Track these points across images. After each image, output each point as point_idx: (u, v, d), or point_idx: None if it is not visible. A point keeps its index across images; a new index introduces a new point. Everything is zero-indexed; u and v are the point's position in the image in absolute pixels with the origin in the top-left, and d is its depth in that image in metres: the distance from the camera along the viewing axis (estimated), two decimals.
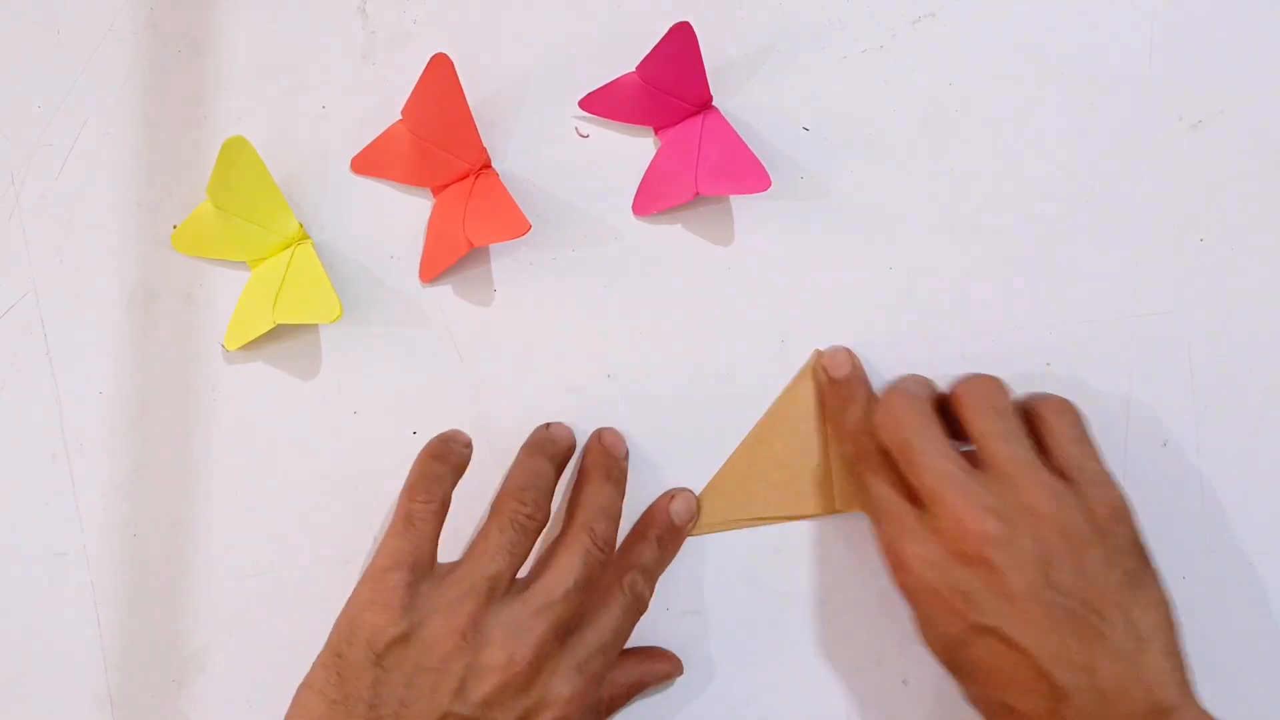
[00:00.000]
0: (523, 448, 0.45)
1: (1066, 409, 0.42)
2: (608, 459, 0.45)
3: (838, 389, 0.45)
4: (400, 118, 0.48)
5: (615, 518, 0.43)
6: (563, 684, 0.39)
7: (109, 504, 0.46)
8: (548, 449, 0.44)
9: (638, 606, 0.43)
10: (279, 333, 0.46)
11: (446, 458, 0.43)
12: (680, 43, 0.44)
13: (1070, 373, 0.46)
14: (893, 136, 0.47)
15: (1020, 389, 0.46)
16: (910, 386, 0.42)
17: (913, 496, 0.40)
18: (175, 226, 0.48)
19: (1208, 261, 0.46)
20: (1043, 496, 0.39)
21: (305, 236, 0.47)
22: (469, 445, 0.44)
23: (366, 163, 0.48)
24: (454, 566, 0.41)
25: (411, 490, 0.42)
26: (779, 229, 0.47)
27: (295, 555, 0.46)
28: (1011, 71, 0.48)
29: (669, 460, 0.46)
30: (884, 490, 0.41)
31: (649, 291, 0.47)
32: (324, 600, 0.45)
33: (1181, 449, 0.45)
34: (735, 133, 0.46)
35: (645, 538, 0.44)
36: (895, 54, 0.48)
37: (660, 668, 0.45)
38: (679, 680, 0.45)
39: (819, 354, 0.46)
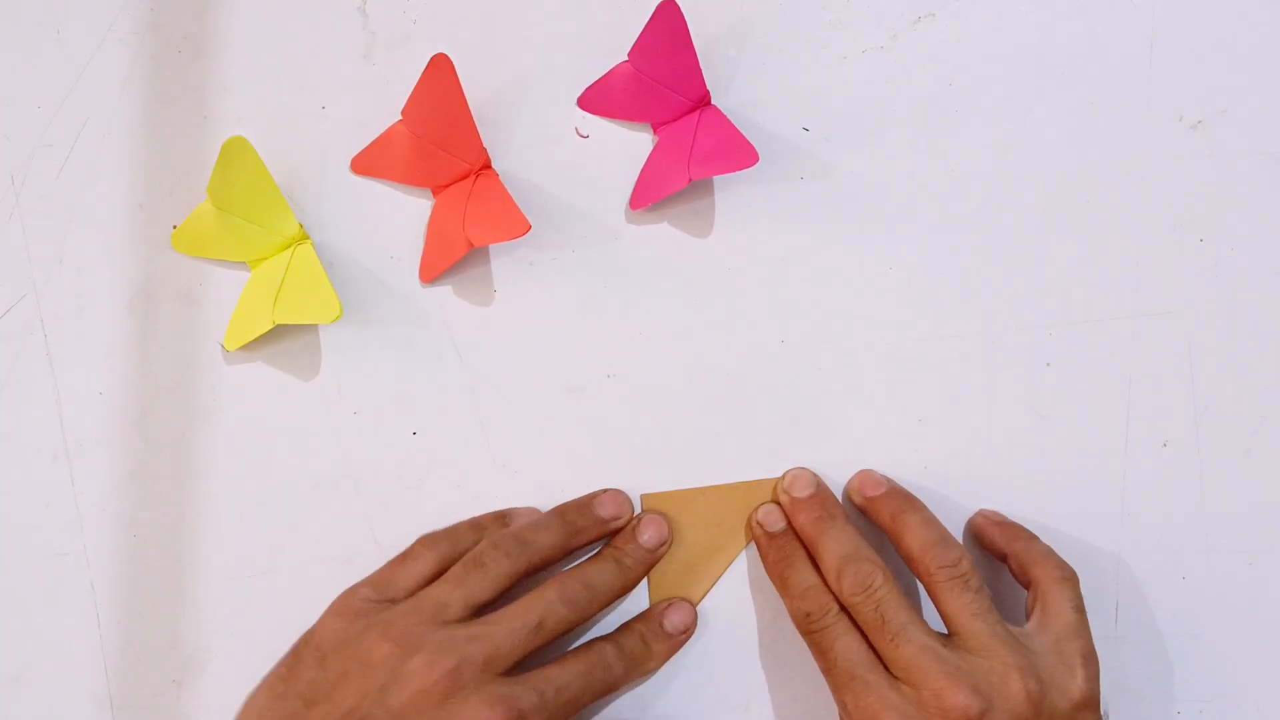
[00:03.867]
0: (557, 507, 0.45)
1: (1068, 579, 0.42)
2: (631, 545, 0.44)
3: (781, 542, 0.44)
4: (400, 118, 0.48)
5: (600, 591, 0.43)
6: (480, 707, 0.38)
7: (109, 504, 0.46)
8: (572, 523, 0.44)
9: (604, 677, 0.42)
10: (279, 333, 0.46)
11: (484, 526, 0.45)
12: (668, 24, 0.44)
13: (1070, 373, 0.46)
14: (893, 137, 0.47)
15: (1020, 389, 0.46)
16: (870, 555, 0.42)
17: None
18: (175, 227, 0.48)
19: (1208, 261, 0.46)
20: (1021, 679, 0.39)
21: (305, 236, 0.47)
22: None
23: (366, 163, 0.48)
24: (417, 594, 0.42)
25: (432, 536, 0.44)
26: (778, 229, 0.47)
27: (295, 555, 0.46)
28: (1011, 71, 0.48)
29: (668, 460, 0.46)
30: (860, 656, 0.41)
31: (649, 291, 0.47)
32: (324, 600, 0.45)
33: (1181, 449, 0.45)
34: (728, 120, 0.46)
35: (631, 630, 0.44)
36: (895, 54, 0.48)
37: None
38: (678, 682, 0.45)
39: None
